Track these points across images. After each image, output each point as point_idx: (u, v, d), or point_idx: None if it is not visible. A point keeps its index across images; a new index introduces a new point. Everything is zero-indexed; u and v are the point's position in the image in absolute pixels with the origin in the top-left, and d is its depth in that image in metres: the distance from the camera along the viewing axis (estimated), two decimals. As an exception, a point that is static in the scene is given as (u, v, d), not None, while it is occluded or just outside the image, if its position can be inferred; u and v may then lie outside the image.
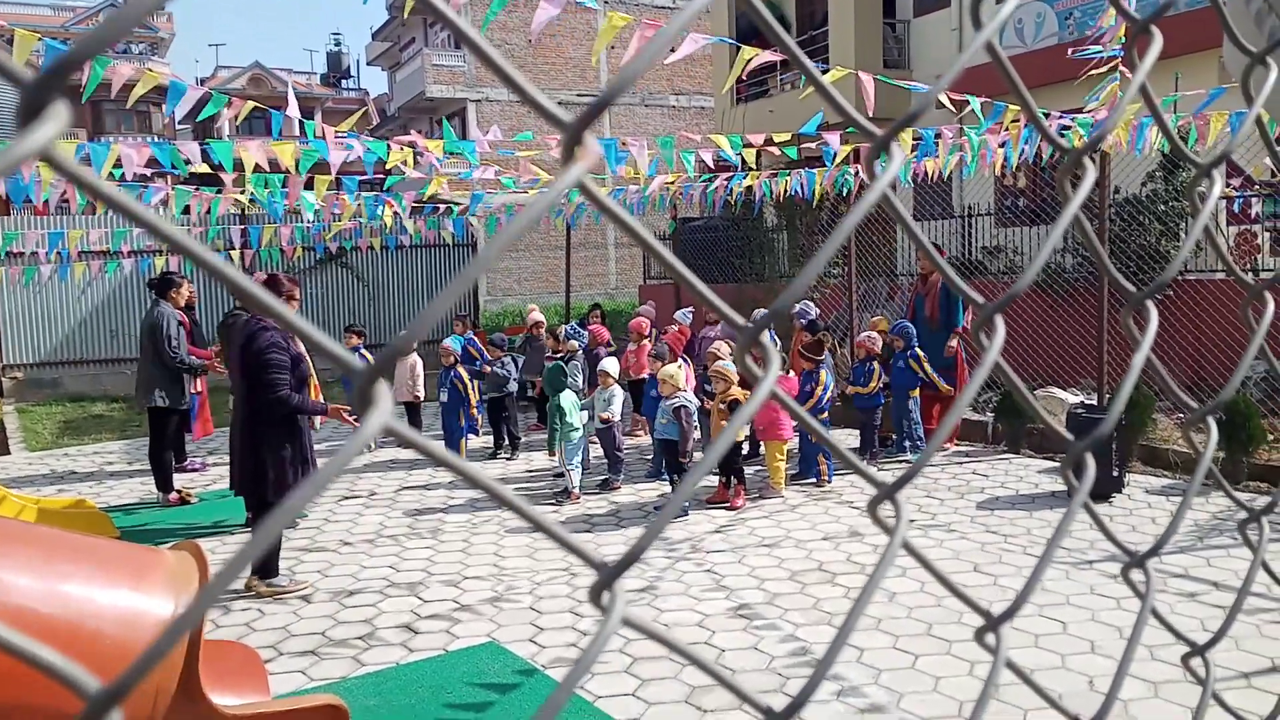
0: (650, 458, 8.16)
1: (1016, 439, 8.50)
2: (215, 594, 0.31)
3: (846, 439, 8.64)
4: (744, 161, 7.86)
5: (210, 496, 7.76)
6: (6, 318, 13.76)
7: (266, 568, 5.42)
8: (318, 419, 6.04)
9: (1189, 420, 0.76)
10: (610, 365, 7.76)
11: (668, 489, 7.52)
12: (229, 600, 5.32)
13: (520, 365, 9.85)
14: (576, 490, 7.37)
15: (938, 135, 8.27)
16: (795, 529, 6.45)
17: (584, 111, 0.39)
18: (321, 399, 6.38)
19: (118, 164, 6.37)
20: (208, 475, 8.57)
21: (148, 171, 7.24)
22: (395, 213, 10.39)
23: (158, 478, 7.64)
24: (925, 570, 0.66)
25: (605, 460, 7.83)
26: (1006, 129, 7.87)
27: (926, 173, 9.06)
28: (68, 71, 0.29)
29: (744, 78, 6.07)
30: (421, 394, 9.67)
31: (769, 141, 7.57)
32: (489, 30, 26.69)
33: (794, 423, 7.29)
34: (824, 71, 6.89)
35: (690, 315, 10.56)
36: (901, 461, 8.20)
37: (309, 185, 7.92)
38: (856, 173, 9.52)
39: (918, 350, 8.24)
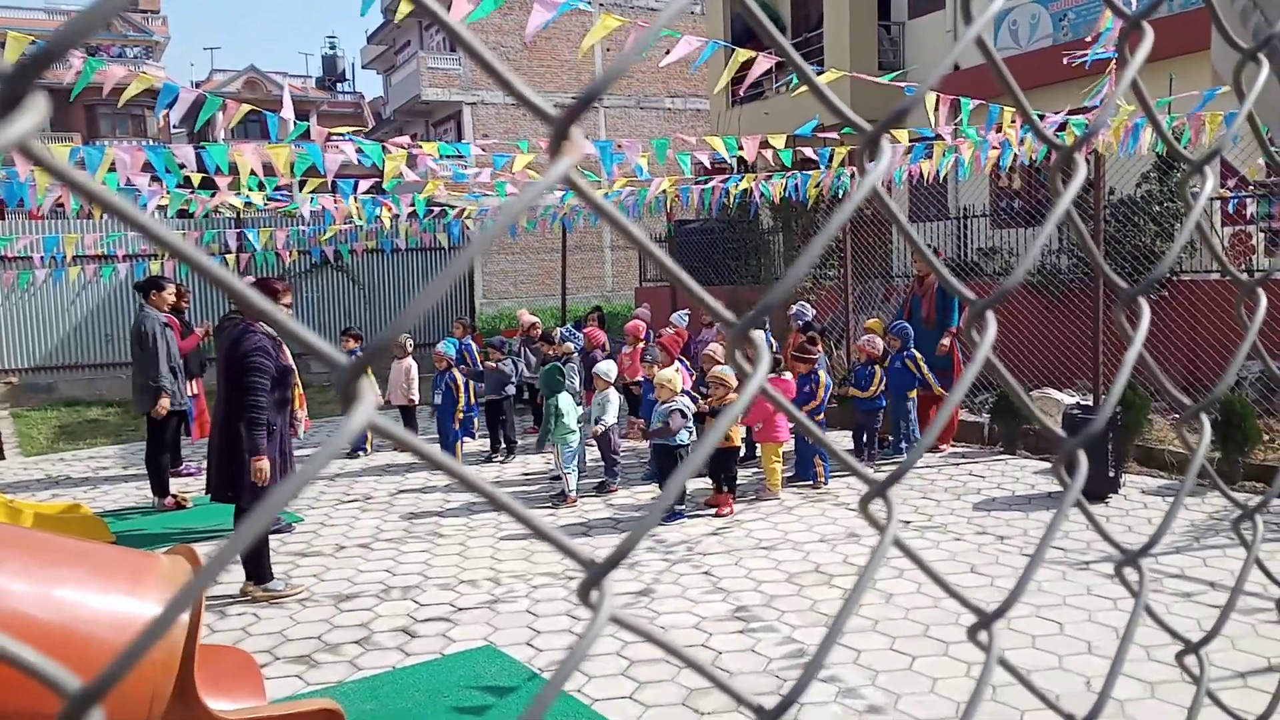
0: (647, 461, 8.15)
1: (1013, 440, 8.50)
2: (198, 590, 0.31)
3: (841, 440, 8.64)
4: (741, 163, 7.87)
5: (205, 501, 7.74)
6: (1, 322, 13.73)
7: (261, 572, 5.41)
8: (301, 427, 6.01)
9: (1182, 418, 0.75)
10: (607, 369, 7.75)
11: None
12: (225, 605, 5.31)
13: (518, 368, 9.84)
14: (573, 494, 7.36)
15: (936, 136, 8.29)
16: (792, 531, 6.45)
17: (570, 106, 0.39)
18: (305, 410, 6.38)
19: (113, 168, 6.36)
20: (203, 480, 8.55)
21: (145, 178, 7.24)
22: (394, 215, 10.39)
23: (153, 482, 7.63)
24: (920, 570, 0.66)
25: (602, 464, 7.83)
26: (1002, 131, 7.88)
27: (922, 174, 9.07)
28: (45, 64, 0.29)
29: (742, 79, 6.07)
30: (416, 398, 9.66)
31: (764, 144, 7.58)
32: (481, 32, 26.71)
33: (790, 424, 7.29)
34: (818, 74, 6.90)
35: (687, 318, 10.57)
36: (898, 462, 8.20)
37: (304, 188, 7.92)
38: (853, 175, 9.53)
39: (914, 351, 8.24)
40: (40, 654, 0.29)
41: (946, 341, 8.49)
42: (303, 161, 6.74)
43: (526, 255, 28.26)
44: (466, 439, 9.38)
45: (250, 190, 8.25)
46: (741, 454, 7.91)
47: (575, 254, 24.50)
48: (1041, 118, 7.74)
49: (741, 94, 10.27)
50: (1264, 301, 0.76)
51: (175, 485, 7.96)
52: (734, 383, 6.93)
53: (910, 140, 8.80)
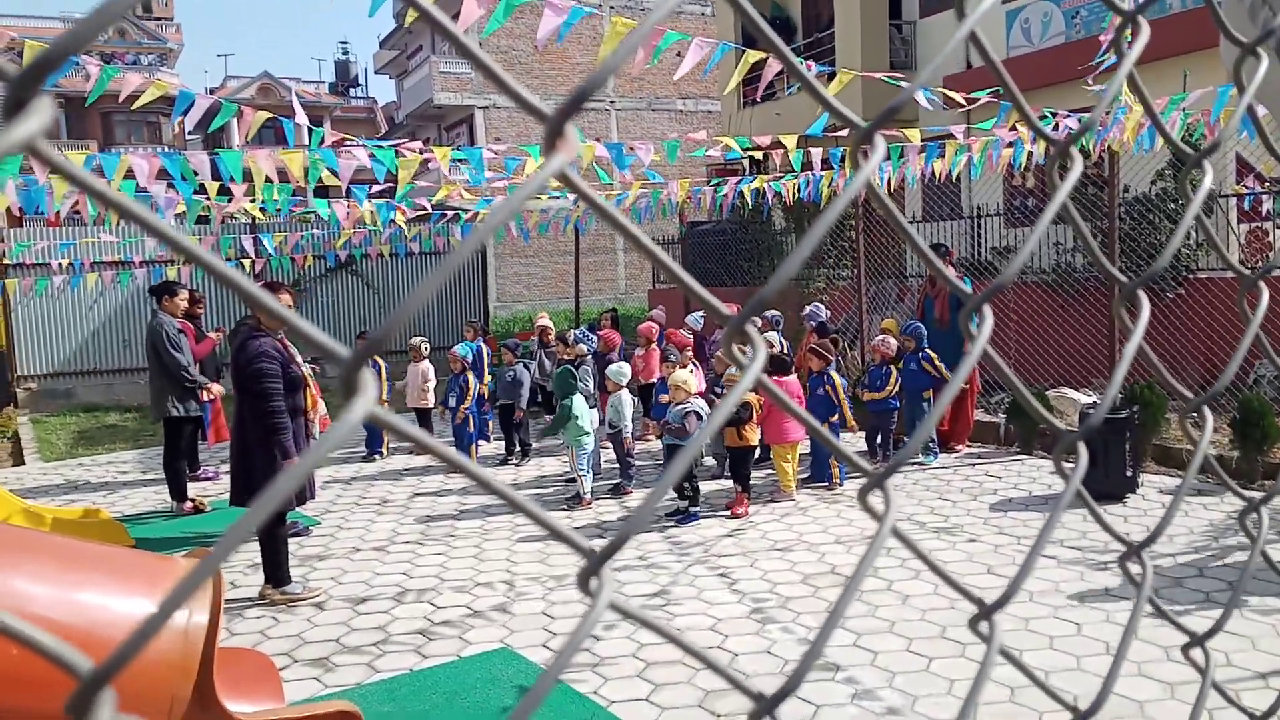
0: (661, 463, 8.15)
1: (1029, 440, 8.46)
2: (203, 576, 0.32)
3: (854, 442, 8.62)
4: (754, 164, 7.88)
5: (223, 505, 7.80)
6: (20, 329, 13.86)
7: (279, 575, 5.45)
8: (316, 427, 6.04)
9: (1184, 412, 0.76)
10: (620, 371, 7.75)
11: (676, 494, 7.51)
12: (243, 608, 5.35)
13: (531, 371, 9.86)
14: (588, 496, 7.37)
15: (949, 135, 8.26)
16: (807, 532, 6.44)
17: (563, 102, 0.40)
18: (323, 406, 6.42)
19: (129, 175, 6.42)
20: (221, 484, 8.61)
21: (161, 185, 7.30)
22: (409, 219, 10.44)
23: (172, 486, 7.69)
24: (927, 566, 0.66)
25: (617, 466, 7.83)
26: (1014, 128, 7.85)
27: (935, 173, 9.04)
28: (51, 67, 0.30)
29: (756, 79, 6.07)
30: (431, 400, 9.70)
31: (775, 145, 7.58)
32: (494, 36, 26.79)
33: (802, 425, 7.27)
34: (831, 74, 6.89)
35: (702, 320, 10.56)
36: (914, 464, 8.18)
37: (320, 194, 7.97)
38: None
39: (929, 351, 8.21)
40: (48, 634, 0.30)
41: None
42: (316, 167, 6.78)
43: (540, 258, 28.31)
44: (481, 442, 9.42)
45: (265, 197, 8.31)
46: (756, 455, 7.91)
47: (588, 256, 24.53)
48: (1054, 115, 7.72)
49: (755, 96, 10.29)
50: (1265, 296, 0.76)
51: (193, 490, 8.02)
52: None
53: (923, 140, 8.78)
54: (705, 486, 7.39)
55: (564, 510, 7.33)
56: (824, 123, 7.06)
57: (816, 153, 8.47)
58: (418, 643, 4.80)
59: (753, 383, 0.47)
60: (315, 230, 12.14)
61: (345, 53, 48.02)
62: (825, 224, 0.50)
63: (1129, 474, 6.78)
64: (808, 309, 9.29)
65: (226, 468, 8.99)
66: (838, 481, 7.56)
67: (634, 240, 0.46)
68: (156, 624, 0.30)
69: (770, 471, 7.73)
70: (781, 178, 9.95)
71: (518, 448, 9.15)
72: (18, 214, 10.62)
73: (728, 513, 6.91)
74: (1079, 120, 7.48)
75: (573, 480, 7.66)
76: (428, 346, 9.79)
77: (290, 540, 6.13)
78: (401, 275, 16.15)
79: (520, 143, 8.18)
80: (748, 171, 14.59)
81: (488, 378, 9.40)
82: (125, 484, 8.94)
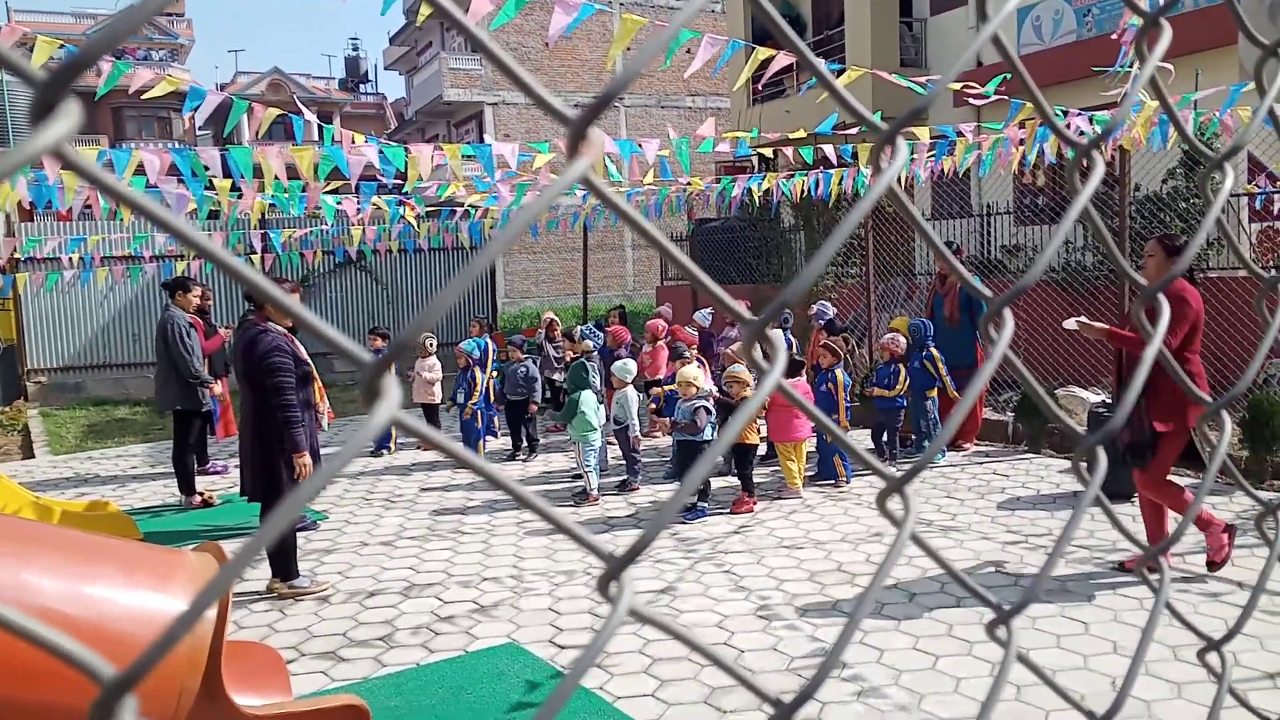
0: (668, 459, 8.15)
1: (1037, 439, 8.44)
2: (229, 580, 0.32)
3: (861, 439, 8.61)
4: (762, 161, 7.87)
5: (232, 499, 7.82)
6: (30, 323, 13.92)
7: (287, 569, 5.46)
8: (324, 420, 6.05)
9: (1203, 415, 0.75)
10: (624, 367, 7.75)
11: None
12: (251, 601, 5.37)
13: (540, 364, 9.87)
14: (595, 492, 7.38)
15: (958, 133, 8.23)
16: (814, 530, 6.43)
17: (588, 107, 0.39)
18: (326, 402, 6.44)
19: (139, 171, 6.44)
20: (230, 477, 8.63)
21: (172, 180, 7.32)
22: (417, 215, 10.44)
23: (180, 480, 7.71)
24: (941, 568, 0.66)
25: (623, 462, 7.84)
26: (1023, 126, 7.82)
27: (944, 171, 9.01)
28: (79, 71, 0.29)
29: (761, 77, 6.07)
30: (438, 396, 9.72)
31: (784, 141, 7.56)
32: (502, 32, 26.78)
33: (809, 423, 7.27)
34: (840, 71, 6.87)
35: (710, 317, 10.55)
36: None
37: (328, 191, 7.98)
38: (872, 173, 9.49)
39: (932, 351, 8.19)
40: (73, 640, 0.30)
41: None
42: (326, 163, 6.78)
43: (548, 254, 28.33)
44: (489, 438, 9.44)
45: (276, 194, 8.32)
46: (762, 453, 7.91)
47: (596, 253, 24.53)
48: (1065, 114, 7.69)
49: (761, 89, 10.26)
50: (1286, 298, 0.76)
51: (201, 483, 8.05)
52: (749, 379, 6.93)
53: (932, 137, 8.75)
54: (714, 483, 7.39)
55: (571, 506, 7.34)
56: (834, 120, 7.04)
57: (827, 149, 8.44)
58: (425, 637, 4.81)
59: (774, 386, 0.47)
60: (325, 226, 12.16)
61: (355, 49, 48.08)
62: (848, 227, 0.49)
63: (1138, 474, 6.74)
64: (815, 307, 9.27)
65: (235, 461, 9.04)
66: (844, 479, 7.55)
67: (654, 242, 0.45)
68: (179, 632, 0.30)
69: (777, 469, 7.73)
70: (792, 175, 9.93)
71: (525, 444, 9.15)
72: (29, 208, 10.66)
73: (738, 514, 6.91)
74: (1090, 119, 7.45)
75: (579, 476, 7.66)
76: (434, 342, 9.80)
77: (298, 534, 6.15)
78: (410, 271, 16.17)
79: (529, 139, 8.17)
80: (756, 169, 14.57)
81: (493, 373, 9.41)
82: (134, 478, 8.98)
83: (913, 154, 8.64)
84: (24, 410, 13.00)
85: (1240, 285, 8.77)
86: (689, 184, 10.32)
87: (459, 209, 13.07)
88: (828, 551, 5.95)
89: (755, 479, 7.19)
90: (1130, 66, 6.27)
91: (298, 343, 5.76)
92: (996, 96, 6.95)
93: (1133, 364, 5.34)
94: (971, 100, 6.91)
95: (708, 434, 6.89)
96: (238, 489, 7.81)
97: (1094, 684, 4.01)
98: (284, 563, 5.45)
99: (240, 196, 8.12)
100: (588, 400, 7.44)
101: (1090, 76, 7.34)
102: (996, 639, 0.61)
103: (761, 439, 7.78)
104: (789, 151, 7.91)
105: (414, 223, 11.15)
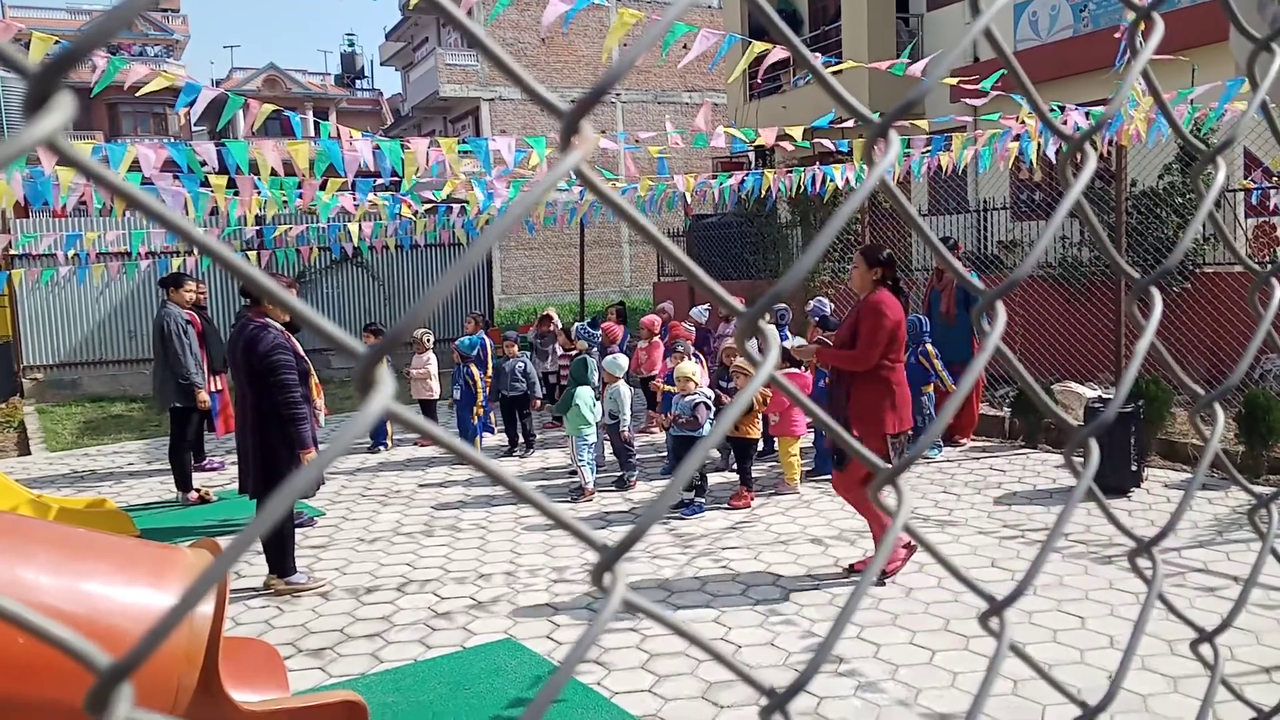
0: (664, 455, 8.16)
1: (1033, 434, 8.45)
2: (223, 570, 0.32)
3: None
4: (759, 158, 7.87)
5: (229, 495, 7.82)
6: (26, 319, 13.89)
7: (284, 566, 5.46)
8: (321, 415, 6.05)
9: (1194, 409, 0.75)
10: (614, 363, 7.74)
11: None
12: (248, 598, 5.37)
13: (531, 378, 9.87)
14: (589, 486, 7.38)
15: (957, 128, 8.24)
16: (811, 525, 6.44)
17: (580, 100, 0.39)
18: (322, 398, 6.44)
19: (135, 166, 6.42)
20: (226, 474, 8.63)
21: (169, 176, 7.30)
22: (414, 212, 10.43)
23: (177, 477, 7.71)
24: (936, 561, 0.66)
25: (616, 458, 7.84)
26: (1021, 121, 7.82)
27: (941, 167, 9.01)
28: (72, 63, 0.30)
29: (757, 73, 6.07)
30: (436, 392, 9.71)
31: (781, 136, 7.56)
32: (499, 29, 26.76)
33: (807, 419, 7.28)
34: (834, 65, 6.87)
35: (707, 313, 10.56)
36: (919, 457, 8.18)
37: (324, 188, 7.97)
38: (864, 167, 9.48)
39: (927, 346, 8.19)
40: (67, 628, 0.30)
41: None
42: (322, 160, 6.78)
43: (545, 250, 28.31)
44: (486, 434, 9.43)
45: (272, 191, 8.31)
46: (760, 448, 7.91)
47: (593, 249, 24.51)
48: (1062, 109, 7.70)
49: (759, 83, 10.25)
50: (1278, 292, 0.76)
51: (198, 480, 8.05)
52: (754, 372, 6.93)
53: (930, 132, 8.75)
54: (711, 479, 7.40)
55: (568, 502, 7.34)
56: (832, 116, 7.04)
57: (825, 144, 8.43)
58: (422, 633, 4.82)
59: (766, 379, 0.47)
60: (321, 225, 12.14)
61: (351, 45, 47.99)
62: (839, 222, 0.50)
63: (1134, 468, 6.77)
64: (812, 303, 9.27)
65: (232, 458, 9.04)
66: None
67: (648, 235, 0.46)
68: (173, 620, 0.30)
69: (775, 464, 7.74)
70: (790, 171, 9.93)
71: (522, 439, 9.15)
72: (24, 205, 10.62)
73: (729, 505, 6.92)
74: (1087, 114, 7.45)
75: (575, 472, 7.67)
76: (431, 338, 9.80)
77: (295, 530, 6.15)
78: (406, 267, 16.16)
79: (526, 135, 8.15)
80: (753, 165, 14.57)
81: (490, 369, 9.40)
82: (131, 474, 8.97)
83: (908, 148, 8.64)
84: (20, 407, 12.99)
85: (1236, 280, 8.79)
86: (683, 184, 10.31)
87: (456, 206, 13.06)
88: (825, 546, 5.96)
89: (753, 474, 7.19)
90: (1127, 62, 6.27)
91: (294, 339, 5.76)
92: (995, 93, 6.95)
93: (837, 380, 5.39)
94: (967, 100, 6.92)
95: (706, 430, 6.89)
96: (235, 485, 7.82)
97: (1091, 678, 4.02)
98: (281, 559, 5.45)
99: (236, 193, 8.10)
100: (584, 395, 7.43)
101: (1087, 71, 7.34)
102: (989, 630, 0.61)
103: (761, 434, 7.78)
104: (787, 146, 7.91)
105: (413, 219, 11.14)
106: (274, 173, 6.74)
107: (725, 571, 5.58)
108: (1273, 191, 9.86)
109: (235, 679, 3.13)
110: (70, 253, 11.06)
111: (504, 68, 0.40)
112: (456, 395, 8.94)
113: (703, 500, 6.93)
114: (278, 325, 5.56)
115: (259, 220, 12.49)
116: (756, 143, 7.63)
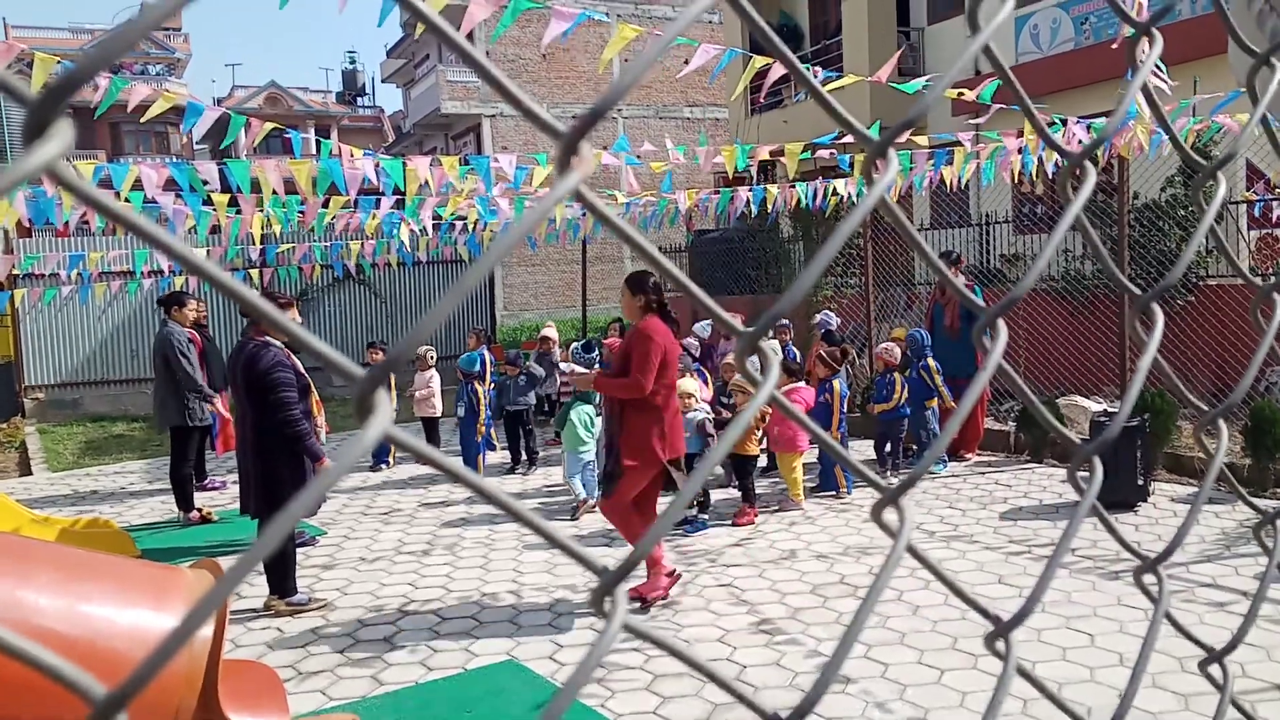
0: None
1: (1039, 448, 8.43)
2: (224, 595, 0.31)
3: (864, 450, 8.60)
4: (761, 170, 7.89)
5: (231, 515, 7.80)
6: (28, 339, 13.91)
7: (285, 586, 5.44)
8: (322, 432, 6.05)
9: (1199, 423, 0.75)
10: None
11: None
12: (248, 619, 5.35)
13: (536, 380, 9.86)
14: (584, 497, 7.33)
15: (956, 142, 8.25)
16: (815, 542, 6.41)
17: (579, 121, 0.39)
18: (323, 415, 6.44)
19: (138, 185, 6.45)
20: (228, 494, 8.62)
21: (170, 195, 7.33)
22: (412, 230, 10.45)
23: (178, 496, 7.70)
24: (936, 578, 0.66)
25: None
26: (1021, 134, 7.84)
27: (944, 181, 9.03)
28: (71, 90, 0.29)
29: (759, 88, 6.09)
30: (439, 410, 9.70)
31: (778, 151, 7.58)
32: (501, 45, 26.89)
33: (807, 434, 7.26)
34: (829, 80, 6.89)
35: (709, 328, 10.55)
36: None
37: (326, 205, 7.99)
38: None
39: (929, 361, 8.19)
40: (61, 658, 0.30)
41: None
42: (324, 178, 6.80)
43: (547, 267, 28.36)
44: (489, 451, 9.42)
45: (274, 210, 8.34)
46: (763, 465, 7.89)
47: (595, 265, 24.50)
48: (1064, 122, 7.71)
49: (761, 101, 10.30)
50: (1282, 306, 0.75)
51: (200, 499, 8.03)
52: (754, 390, 6.92)
53: (931, 146, 8.77)
54: (714, 495, 7.38)
55: (567, 520, 7.32)
56: (835, 135, 7.06)
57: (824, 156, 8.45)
58: (424, 655, 4.79)
59: (766, 399, 0.47)
60: (324, 244, 12.17)
61: (352, 62, 48.23)
62: (839, 240, 0.49)
63: (1140, 482, 6.74)
64: (818, 317, 9.28)
65: (233, 478, 9.02)
66: (845, 490, 7.54)
67: (648, 256, 0.45)
68: (171, 647, 0.30)
69: (777, 480, 7.72)
70: (793, 186, 9.95)
71: (524, 457, 9.14)
72: (27, 225, 10.66)
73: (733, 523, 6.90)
74: (1089, 127, 7.47)
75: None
76: (434, 355, 9.80)
77: (297, 550, 6.14)
78: (409, 285, 16.19)
79: (527, 151, 8.18)
80: (755, 180, 14.60)
81: (491, 384, 9.39)
82: (132, 494, 8.96)
83: (911, 163, 8.66)
84: (21, 427, 12.99)
85: (1240, 293, 8.78)
86: (684, 200, 10.34)
87: (458, 223, 13.09)
88: (830, 564, 5.94)
89: (756, 490, 7.17)
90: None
91: (294, 356, 5.77)
92: (996, 106, 6.97)
93: (611, 407, 5.37)
94: (968, 119, 6.93)
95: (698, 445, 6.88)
96: (237, 505, 7.80)
97: (1102, 696, 3.99)
98: (282, 579, 5.43)
99: (239, 211, 8.13)
100: (581, 413, 7.42)
101: (1088, 84, 7.36)
102: (995, 652, 0.60)
103: (762, 450, 7.77)
104: (789, 162, 7.92)
105: (405, 239, 11.14)
106: (275, 191, 6.76)
107: (729, 589, 5.55)
108: (1275, 204, 9.86)
109: (235, 702, 3.11)
110: (73, 273, 11.10)
111: (502, 90, 0.40)
112: (460, 413, 8.93)
113: (705, 517, 6.91)
114: (278, 343, 5.57)
115: (263, 239, 12.53)
116: (760, 159, 7.65)
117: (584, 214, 11.72)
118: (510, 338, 20.39)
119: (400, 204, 8.79)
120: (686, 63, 5.90)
